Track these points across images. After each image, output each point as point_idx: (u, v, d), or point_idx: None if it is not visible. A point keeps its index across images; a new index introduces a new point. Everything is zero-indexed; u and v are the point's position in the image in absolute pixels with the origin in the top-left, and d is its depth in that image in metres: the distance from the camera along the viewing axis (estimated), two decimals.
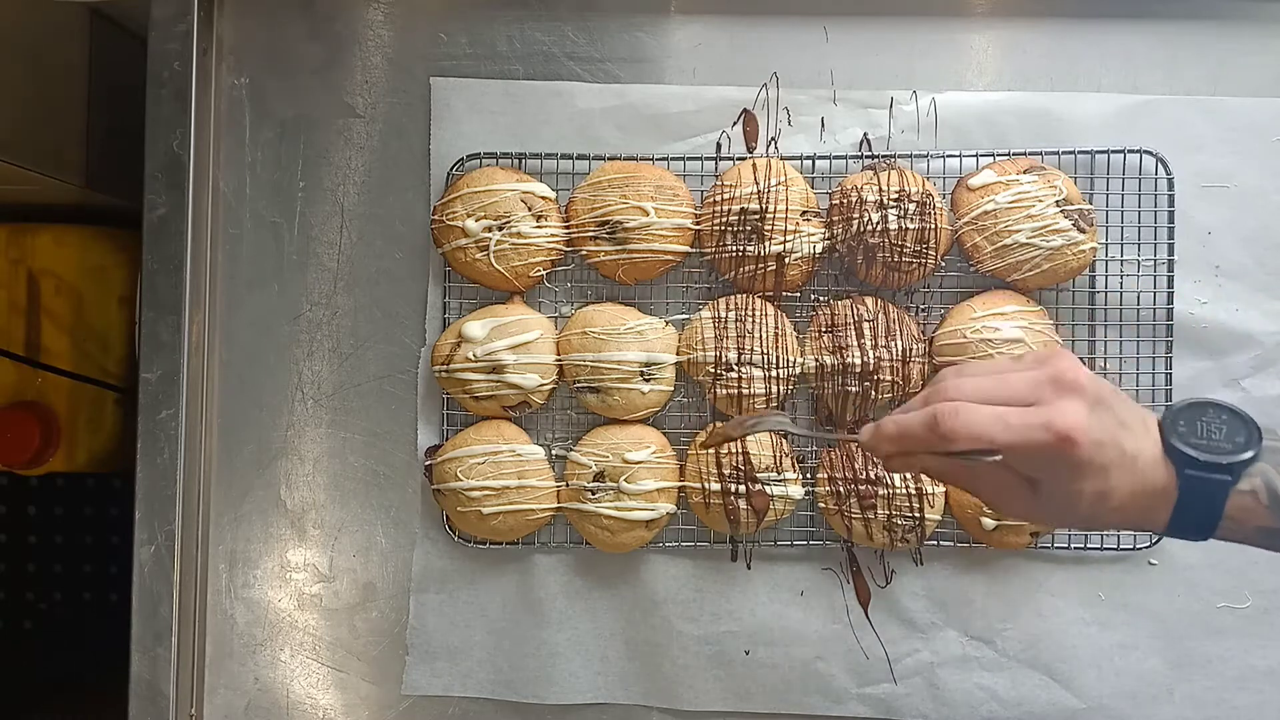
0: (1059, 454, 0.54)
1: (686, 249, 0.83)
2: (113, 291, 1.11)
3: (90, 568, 1.59)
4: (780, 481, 0.81)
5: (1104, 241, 0.84)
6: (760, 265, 0.82)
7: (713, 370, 0.81)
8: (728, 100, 0.86)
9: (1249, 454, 0.55)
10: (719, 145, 0.86)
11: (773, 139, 0.86)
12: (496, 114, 0.87)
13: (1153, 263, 0.84)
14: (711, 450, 0.81)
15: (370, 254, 0.88)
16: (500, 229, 0.82)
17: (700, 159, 0.86)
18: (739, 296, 0.83)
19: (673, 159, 0.85)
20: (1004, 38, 0.87)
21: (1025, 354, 0.67)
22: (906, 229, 0.80)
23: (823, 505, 0.83)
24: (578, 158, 0.86)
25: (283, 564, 0.88)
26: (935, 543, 0.84)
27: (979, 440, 0.54)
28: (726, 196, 0.81)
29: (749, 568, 0.86)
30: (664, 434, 0.84)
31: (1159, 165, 0.84)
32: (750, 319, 0.82)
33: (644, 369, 0.82)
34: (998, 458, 0.54)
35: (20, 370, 1.07)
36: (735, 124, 0.87)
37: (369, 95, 0.88)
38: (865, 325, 0.81)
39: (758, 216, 0.81)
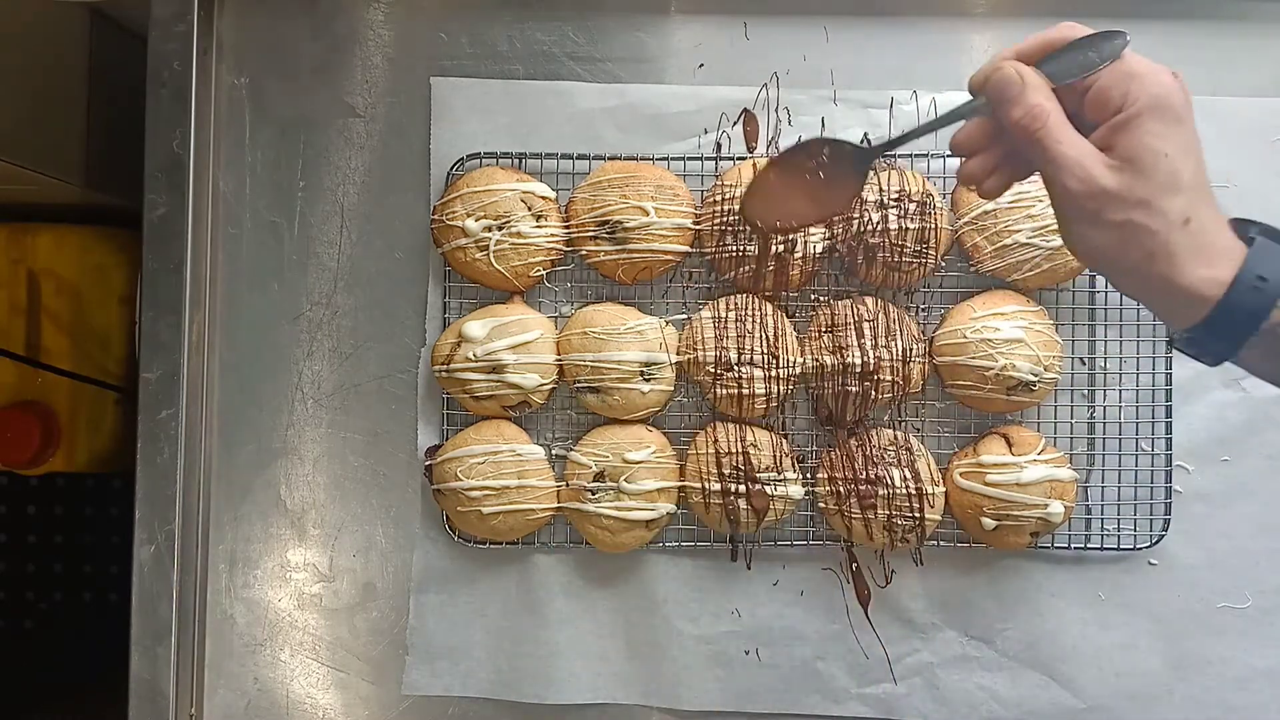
0: (1165, 93, 0.53)
1: (686, 249, 0.83)
2: (113, 291, 1.11)
3: (90, 568, 1.60)
4: (780, 481, 0.81)
5: None
6: (760, 265, 0.82)
7: (713, 370, 0.81)
8: (728, 100, 0.86)
9: None
10: (719, 145, 0.86)
11: (773, 139, 0.86)
12: (496, 114, 0.87)
13: None
14: (712, 450, 0.81)
15: (370, 254, 0.88)
16: (500, 229, 0.82)
17: (700, 159, 0.86)
18: (739, 296, 0.83)
19: (673, 159, 0.85)
20: (1004, 38, 0.87)
21: None
22: (906, 229, 0.80)
23: (823, 505, 0.83)
24: (578, 158, 0.86)
25: (283, 564, 0.88)
26: (935, 543, 0.84)
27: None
28: (727, 196, 0.81)
29: (749, 568, 0.86)
30: (664, 434, 0.84)
31: None
32: (750, 319, 0.82)
33: (644, 369, 0.82)
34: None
35: (20, 370, 1.07)
36: (735, 124, 0.87)
37: (369, 95, 0.88)
38: (865, 325, 0.81)
39: None
